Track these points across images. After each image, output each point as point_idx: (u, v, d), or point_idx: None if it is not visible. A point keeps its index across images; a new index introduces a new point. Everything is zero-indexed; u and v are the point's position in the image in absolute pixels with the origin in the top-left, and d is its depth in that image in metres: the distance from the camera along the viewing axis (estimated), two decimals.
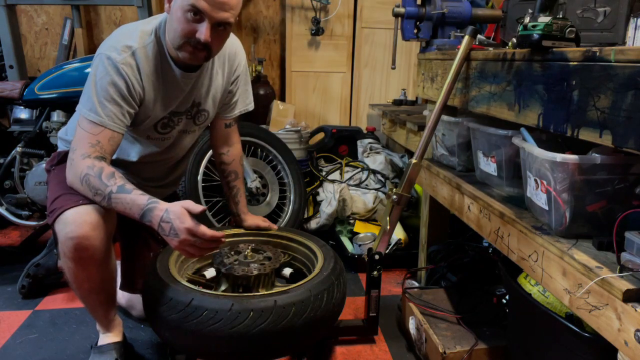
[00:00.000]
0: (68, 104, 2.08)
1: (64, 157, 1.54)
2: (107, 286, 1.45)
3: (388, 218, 1.57)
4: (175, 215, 1.22)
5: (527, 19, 1.14)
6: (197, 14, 1.28)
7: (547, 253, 1.09)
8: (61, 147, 1.64)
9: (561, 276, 1.04)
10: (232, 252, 1.59)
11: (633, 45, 1.28)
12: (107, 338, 1.50)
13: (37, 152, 2.14)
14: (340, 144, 3.16)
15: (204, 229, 1.23)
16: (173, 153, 1.64)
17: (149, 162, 1.60)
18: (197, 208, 1.24)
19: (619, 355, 0.91)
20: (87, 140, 1.33)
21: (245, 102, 1.71)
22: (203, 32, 1.29)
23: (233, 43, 1.59)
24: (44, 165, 2.08)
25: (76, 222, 1.28)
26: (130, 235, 1.73)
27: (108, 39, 1.41)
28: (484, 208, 1.40)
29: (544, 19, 1.09)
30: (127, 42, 1.37)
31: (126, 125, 1.39)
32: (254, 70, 3.19)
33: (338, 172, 2.88)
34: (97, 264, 1.35)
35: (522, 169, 1.27)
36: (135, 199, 1.26)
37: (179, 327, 1.27)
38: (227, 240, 1.73)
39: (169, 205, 1.25)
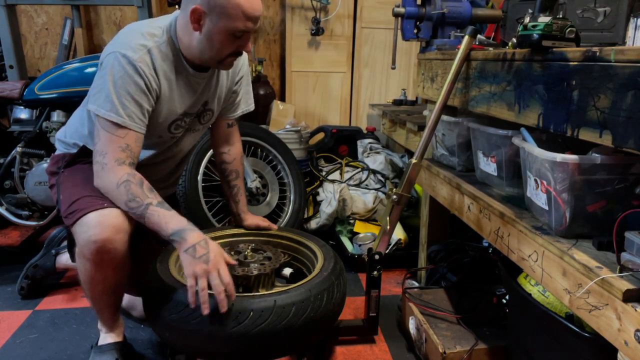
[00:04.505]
0: (68, 104, 2.09)
1: (73, 159, 1.54)
2: (119, 289, 1.46)
3: (388, 218, 1.57)
4: (215, 248, 1.27)
5: (527, 19, 1.14)
6: (243, 33, 1.35)
7: (547, 253, 1.09)
8: (60, 149, 1.62)
9: (561, 276, 1.04)
10: (232, 252, 1.59)
11: (633, 45, 1.28)
12: (108, 338, 1.50)
13: (37, 152, 2.14)
14: (340, 144, 3.16)
15: (228, 273, 1.24)
16: (176, 151, 1.64)
17: (152, 163, 1.60)
18: (230, 260, 1.30)
19: (619, 355, 0.91)
20: (116, 144, 1.33)
21: (247, 102, 1.73)
22: (248, 45, 1.40)
23: None
24: (44, 165, 2.08)
25: (101, 225, 1.29)
26: (136, 239, 1.73)
27: (118, 38, 1.39)
28: (484, 208, 1.40)
29: (544, 19, 1.09)
30: (141, 40, 1.36)
31: (145, 124, 1.39)
32: (254, 70, 3.19)
33: (338, 172, 2.88)
34: (116, 267, 1.36)
35: (522, 169, 1.27)
36: (175, 215, 1.30)
37: (179, 327, 1.27)
38: (227, 240, 1.73)
39: (209, 239, 1.30)
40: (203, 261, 1.22)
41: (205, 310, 1.19)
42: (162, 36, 1.40)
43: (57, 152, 1.64)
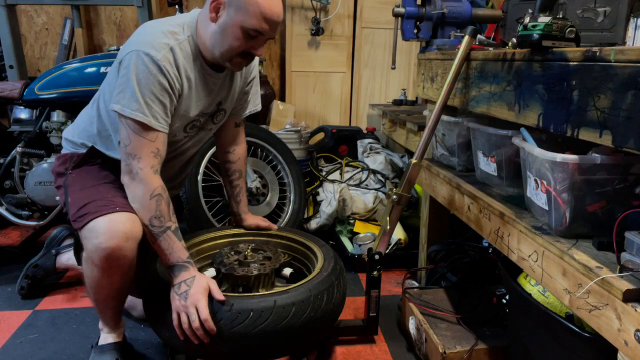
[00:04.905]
0: (68, 104, 2.09)
1: (81, 161, 1.51)
2: (124, 292, 1.46)
3: (388, 218, 1.57)
4: (198, 285, 1.28)
5: (527, 19, 1.14)
6: (257, 34, 1.34)
7: (547, 253, 1.09)
8: (67, 148, 1.58)
9: (561, 276, 1.04)
10: (232, 252, 1.59)
11: (633, 45, 1.28)
12: (109, 338, 1.50)
13: (37, 152, 2.14)
14: (340, 144, 3.16)
15: (206, 310, 1.25)
16: (184, 149, 1.62)
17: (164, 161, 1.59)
18: (219, 295, 1.28)
19: (619, 355, 0.91)
20: (148, 149, 1.32)
21: (255, 102, 1.73)
22: (260, 49, 1.39)
23: None
24: (44, 165, 2.09)
25: (111, 232, 1.27)
26: (141, 242, 1.72)
27: (138, 36, 1.36)
28: (484, 208, 1.40)
29: (544, 19, 1.09)
30: (163, 39, 1.34)
31: (169, 124, 1.38)
32: None
33: (338, 172, 2.88)
34: (124, 273, 1.35)
35: (522, 169, 1.27)
36: (180, 249, 1.33)
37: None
38: (227, 240, 1.73)
39: (199, 274, 1.32)
40: (182, 298, 1.27)
41: (195, 342, 1.26)
42: (183, 34, 1.39)
43: (63, 152, 1.60)
